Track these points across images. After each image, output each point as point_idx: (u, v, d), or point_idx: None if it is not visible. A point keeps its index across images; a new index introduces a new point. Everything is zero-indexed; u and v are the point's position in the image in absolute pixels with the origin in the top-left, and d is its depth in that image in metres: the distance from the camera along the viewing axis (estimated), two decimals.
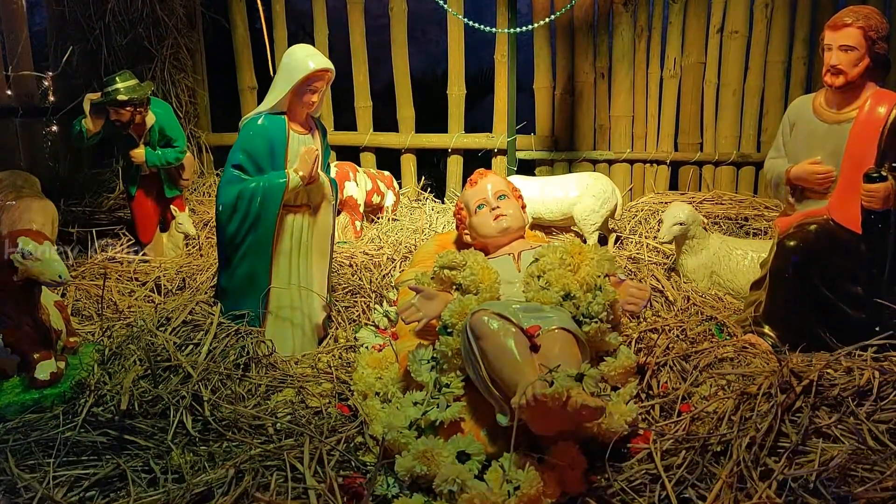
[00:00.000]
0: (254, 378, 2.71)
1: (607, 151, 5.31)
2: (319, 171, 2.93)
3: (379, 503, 2.21)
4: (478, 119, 5.54)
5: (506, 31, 4.64)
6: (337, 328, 3.17)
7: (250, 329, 2.86)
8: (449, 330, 2.47)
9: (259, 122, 2.82)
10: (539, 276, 2.57)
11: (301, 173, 2.84)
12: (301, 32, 5.52)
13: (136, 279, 3.59)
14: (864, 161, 2.68)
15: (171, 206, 3.98)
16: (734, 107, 5.23)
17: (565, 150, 5.34)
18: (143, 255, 3.92)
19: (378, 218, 4.48)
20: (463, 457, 2.26)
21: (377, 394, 2.64)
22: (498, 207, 2.82)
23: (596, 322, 2.45)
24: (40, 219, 3.47)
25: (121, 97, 3.56)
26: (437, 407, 2.39)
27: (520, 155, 5.23)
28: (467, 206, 2.92)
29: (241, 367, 2.73)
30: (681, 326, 2.88)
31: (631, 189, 5.32)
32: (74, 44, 4.80)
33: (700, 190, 5.22)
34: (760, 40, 5.15)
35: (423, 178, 5.21)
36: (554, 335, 2.31)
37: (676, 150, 5.32)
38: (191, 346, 2.73)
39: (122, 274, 3.64)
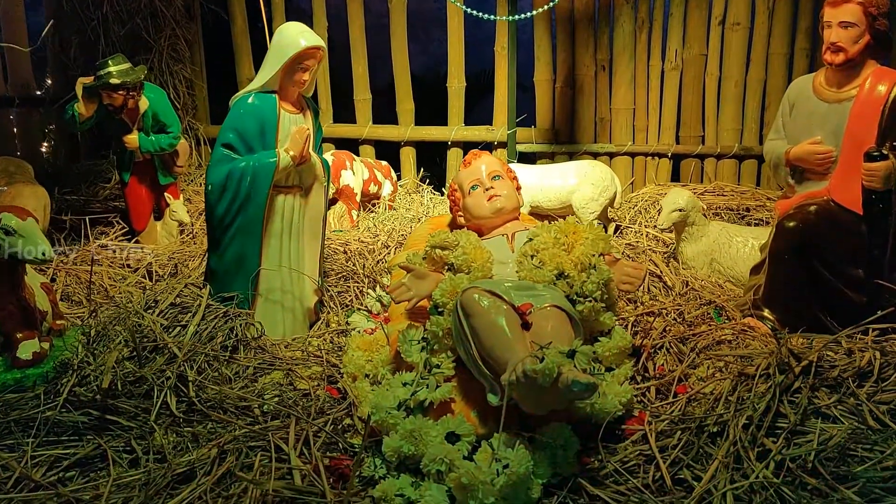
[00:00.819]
0: (241, 360, 2.65)
1: (608, 144, 5.25)
2: (311, 151, 2.87)
3: (366, 484, 2.14)
4: (479, 117, 5.48)
5: (505, 18, 4.58)
6: (329, 313, 3.11)
7: (239, 311, 2.80)
8: (440, 310, 2.41)
9: (249, 100, 2.77)
10: (532, 256, 2.51)
11: (292, 153, 2.78)
12: None
13: (128, 266, 3.53)
14: (864, 140, 2.61)
15: (166, 194, 3.93)
16: (736, 99, 5.16)
17: (566, 142, 5.27)
18: (135, 242, 3.87)
19: (375, 207, 4.42)
20: (452, 438, 2.19)
21: (367, 376, 2.57)
22: (492, 188, 2.76)
23: (590, 301, 2.38)
24: (31, 203, 3.42)
25: (113, 80, 3.51)
26: (427, 387, 2.32)
27: (520, 148, 5.16)
28: (461, 188, 2.86)
29: (229, 349, 2.67)
30: (678, 310, 2.81)
31: (632, 182, 5.25)
32: (72, 34, 4.75)
33: (702, 183, 5.14)
34: (762, 32, 5.07)
35: (422, 169, 5.16)
36: (546, 312, 2.25)
37: (678, 142, 5.25)
38: (178, 328, 2.67)
39: (114, 261, 3.58)
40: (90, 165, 4.92)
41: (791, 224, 2.69)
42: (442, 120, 5.34)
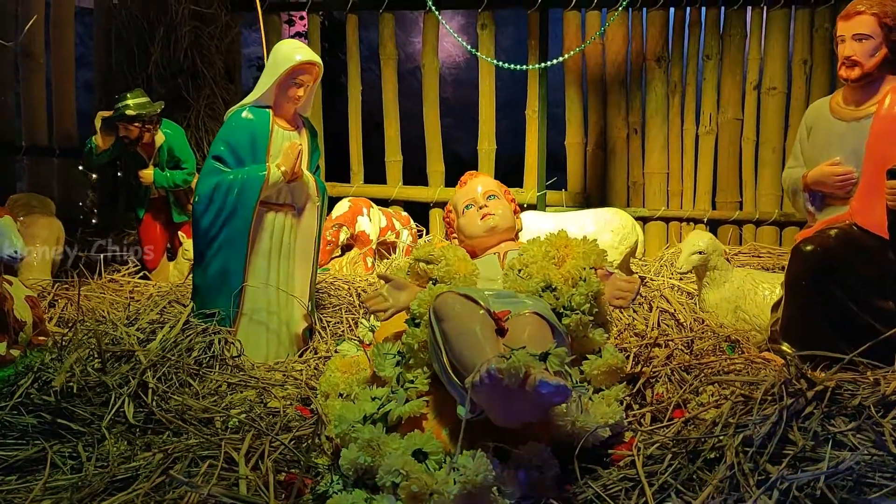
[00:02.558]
0: (214, 376, 2.49)
1: (641, 208, 5.05)
2: (304, 168, 2.78)
3: (319, 500, 1.93)
4: (510, 182, 5.36)
5: (535, 66, 4.53)
6: (319, 341, 2.94)
7: (219, 329, 2.65)
8: (417, 321, 2.22)
9: (243, 114, 2.71)
10: (520, 270, 2.32)
11: (283, 168, 2.69)
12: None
13: (132, 297, 3.45)
14: (886, 158, 2.37)
15: (179, 233, 3.89)
16: (774, 164, 4.93)
17: (598, 206, 5.08)
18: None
19: (391, 255, 4.29)
20: (420, 456, 1.96)
21: (341, 395, 2.37)
22: (485, 206, 2.60)
23: (577, 314, 2.16)
24: (44, 234, 3.41)
25: (129, 112, 3.54)
26: (397, 402, 2.11)
27: (550, 210, 5.01)
28: (455, 209, 2.71)
29: (203, 364, 2.52)
30: (687, 342, 2.55)
31: (667, 248, 5.01)
32: (117, 92, 4.90)
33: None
34: (800, 96, 4.89)
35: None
36: (525, 319, 2.04)
37: (714, 208, 5.02)
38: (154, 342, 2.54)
39: (119, 293, 3.51)
40: (125, 216, 4.95)
41: (809, 248, 2.43)
42: None
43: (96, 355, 2.34)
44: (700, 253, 3.23)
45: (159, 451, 2.01)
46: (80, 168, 4.70)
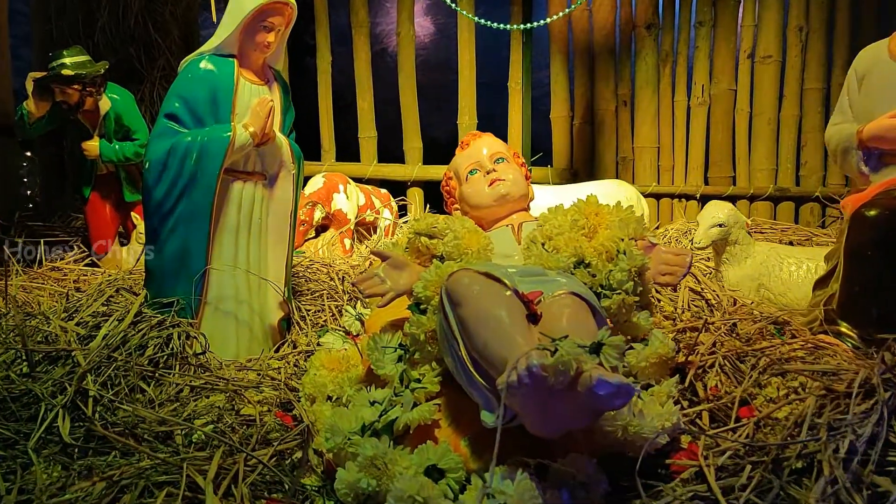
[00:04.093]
0: (173, 378, 2.01)
1: (631, 185, 4.65)
2: (276, 129, 2.30)
3: None
4: None
5: (518, 27, 4.10)
6: (298, 334, 2.47)
7: (179, 321, 2.17)
8: (422, 307, 1.78)
9: (201, 63, 2.22)
10: (543, 243, 1.88)
11: (251, 129, 2.20)
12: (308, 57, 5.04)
13: (78, 289, 2.93)
14: None
15: (133, 214, 3.35)
16: (769, 137, 4.59)
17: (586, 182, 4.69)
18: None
19: (371, 236, 3.82)
20: (434, 474, 1.53)
21: (329, 398, 1.92)
22: (494, 171, 2.15)
23: (619, 293, 1.73)
24: None
25: (66, 72, 3.00)
26: (402, 407, 1.67)
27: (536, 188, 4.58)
28: (457, 174, 2.25)
29: (160, 364, 2.04)
30: (729, 323, 2.14)
31: (658, 226, 4.63)
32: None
33: None
34: (796, 66, 4.55)
35: (428, 206, 4.58)
36: (561, 301, 1.60)
37: (707, 183, 4.66)
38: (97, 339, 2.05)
39: (63, 283, 2.98)
40: (73, 200, 4.39)
41: (873, 213, 2.04)
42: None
43: (23, 357, 1.84)
44: (720, 226, 2.84)
45: (102, 479, 1.53)
46: (19, 142, 4.10)
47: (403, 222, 4.28)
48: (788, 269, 2.81)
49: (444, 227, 1.95)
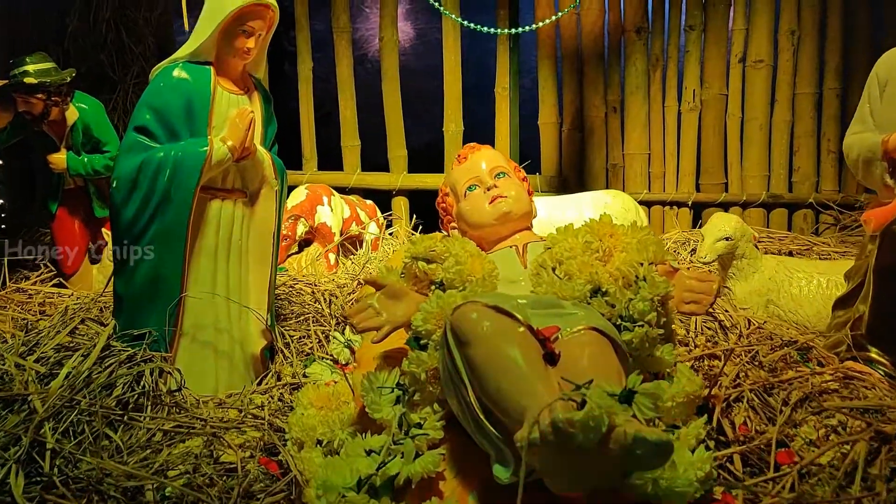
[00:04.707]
0: (145, 422, 1.79)
1: (627, 194, 4.47)
2: (257, 143, 2.09)
3: None
4: None
5: (505, 31, 3.92)
6: (283, 363, 2.25)
7: (151, 355, 1.95)
8: (423, 342, 1.58)
9: (174, 72, 2.00)
10: (554, 268, 1.69)
11: (230, 143, 1.99)
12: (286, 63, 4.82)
13: (44, 312, 2.69)
14: None
15: (104, 230, 3.11)
16: (761, 143, 4.43)
17: (575, 191, 4.49)
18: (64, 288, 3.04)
19: (357, 251, 3.60)
20: None
21: (319, 442, 1.71)
22: (495, 187, 1.95)
23: (641, 326, 1.54)
24: None
25: (29, 80, 2.76)
26: (403, 457, 1.47)
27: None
28: (454, 190, 2.05)
29: (129, 406, 1.82)
30: (750, 351, 1.96)
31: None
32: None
33: None
34: (787, 70, 4.39)
35: (415, 217, 4.37)
36: (581, 339, 1.41)
37: (698, 190, 4.49)
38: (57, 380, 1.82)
39: (27, 306, 2.74)
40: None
41: None
42: (438, 169, 4.60)
43: None
44: (727, 239, 2.67)
45: None
46: None
47: (389, 234, 4.08)
48: (798, 284, 2.65)
49: (443, 251, 1.76)
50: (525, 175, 2.11)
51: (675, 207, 4.49)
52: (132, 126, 1.97)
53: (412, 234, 4.21)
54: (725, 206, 4.44)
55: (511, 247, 1.90)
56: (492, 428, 1.36)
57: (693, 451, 1.43)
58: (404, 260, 1.77)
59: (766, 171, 4.46)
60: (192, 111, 1.98)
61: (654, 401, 1.22)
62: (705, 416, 1.56)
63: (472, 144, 2.09)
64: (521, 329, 1.39)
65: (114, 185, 1.95)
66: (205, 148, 1.95)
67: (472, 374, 1.38)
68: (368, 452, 1.50)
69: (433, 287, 1.73)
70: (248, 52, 2.03)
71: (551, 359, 1.38)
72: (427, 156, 4.72)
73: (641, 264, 1.63)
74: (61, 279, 3.08)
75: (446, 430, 1.53)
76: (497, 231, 1.94)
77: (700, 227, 4.33)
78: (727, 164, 4.49)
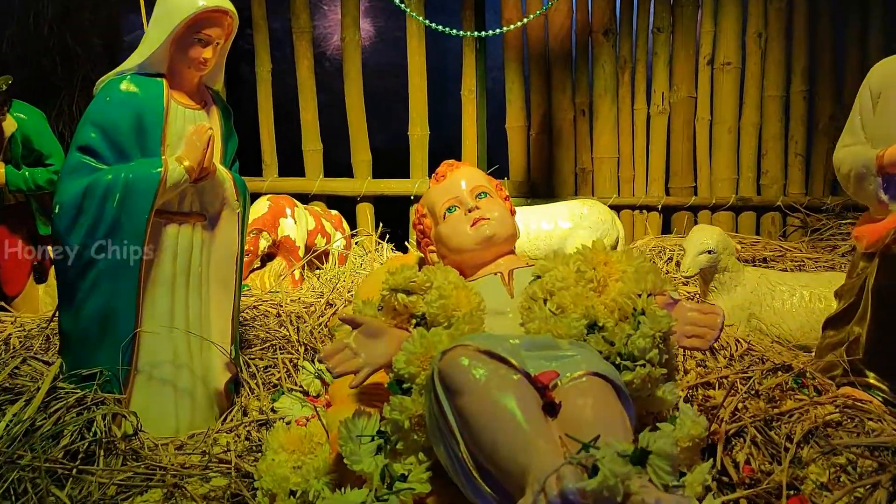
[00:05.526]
0: (98, 474, 1.61)
1: (590, 197, 4.38)
2: (216, 162, 1.92)
3: None
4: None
5: (471, 34, 3.79)
6: (249, 397, 2.09)
7: (103, 396, 1.77)
8: (405, 385, 1.44)
9: (122, 84, 1.82)
10: (545, 300, 1.56)
11: (187, 163, 1.82)
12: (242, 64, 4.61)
13: None
14: None
15: (49, 248, 2.88)
16: (730, 146, 4.38)
17: (544, 196, 4.39)
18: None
19: (323, 265, 3.43)
20: None
21: (293, 493, 1.56)
22: (477, 208, 1.81)
23: (644, 366, 1.42)
24: None
25: None
26: None
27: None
28: (432, 211, 1.90)
29: (78, 457, 1.64)
30: (744, 378, 1.86)
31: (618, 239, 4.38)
32: None
33: None
34: (755, 73, 4.35)
35: (381, 224, 4.22)
36: (582, 386, 1.29)
37: (668, 194, 4.43)
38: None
39: None
40: None
41: None
42: (403, 173, 4.45)
43: None
44: (709, 252, 2.58)
45: None
46: None
47: (355, 243, 3.92)
48: (781, 298, 2.58)
49: (423, 281, 1.62)
50: (507, 194, 1.97)
51: (644, 212, 4.42)
52: (75, 146, 1.78)
53: (378, 244, 4.06)
54: (695, 210, 4.39)
55: (496, 273, 1.77)
56: (487, 488, 1.23)
57: (701, 501, 1.32)
58: (382, 293, 1.63)
59: (734, 174, 4.41)
60: (143, 128, 1.80)
61: (671, 462, 1.10)
62: (711, 460, 1.45)
63: (450, 162, 1.95)
64: (517, 377, 1.26)
65: (56, 210, 1.76)
66: (158, 169, 1.78)
67: (463, 426, 1.25)
68: None
69: (414, 321, 1.59)
70: (204, 62, 1.85)
71: (551, 409, 1.25)
72: (392, 159, 4.56)
73: (640, 295, 1.52)
74: (3, 302, 2.85)
75: (433, 481, 1.40)
76: (480, 256, 1.81)
77: (672, 233, 4.29)
78: (696, 167, 4.44)
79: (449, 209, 1.85)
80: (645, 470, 1.10)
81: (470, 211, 1.82)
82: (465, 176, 1.89)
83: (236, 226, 1.97)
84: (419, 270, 1.67)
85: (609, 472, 1.02)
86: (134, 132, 1.79)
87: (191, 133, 1.84)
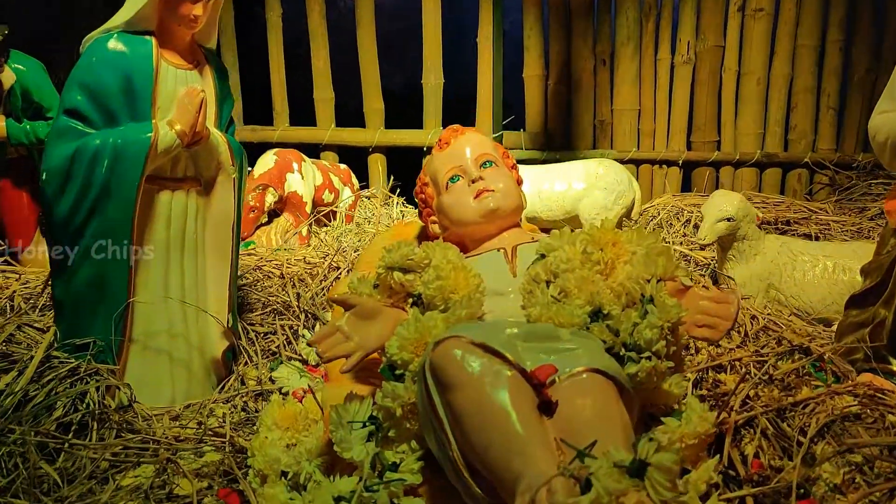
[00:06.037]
0: (89, 447, 1.59)
1: (609, 150, 4.25)
2: (210, 125, 1.83)
3: None
4: (459, 120, 4.45)
5: None
6: (246, 364, 2.05)
7: (97, 367, 1.73)
8: (398, 371, 1.38)
9: (109, 43, 1.72)
10: (549, 282, 1.48)
11: (178, 127, 1.74)
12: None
13: None
14: None
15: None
16: (758, 98, 4.20)
17: (560, 148, 4.28)
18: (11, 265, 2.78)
19: (331, 221, 3.36)
20: None
21: (284, 474, 1.52)
22: (481, 179, 1.72)
23: (649, 358, 1.34)
24: None
25: None
26: None
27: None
28: (434, 180, 1.80)
29: (71, 429, 1.61)
30: (759, 361, 1.78)
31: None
32: None
33: None
34: (789, 20, 4.13)
35: (392, 178, 4.12)
36: (581, 383, 1.21)
37: (689, 148, 4.29)
38: None
39: None
40: None
41: None
42: (417, 123, 4.32)
43: None
44: (729, 220, 2.48)
45: None
46: None
47: (366, 198, 3.84)
48: (802, 268, 2.48)
49: (421, 259, 1.54)
50: (514, 162, 1.87)
51: (664, 167, 4.29)
52: (62, 109, 1.71)
53: (388, 197, 3.98)
54: (717, 166, 4.25)
55: (499, 249, 1.68)
56: (479, 490, 1.17)
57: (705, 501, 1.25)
58: (378, 271, 1.55)
59: (760, 129, 4.25)
60: (132, 90, 1.71)
61: (671, 476, 1.03)
62: (717, 457, 1.39)
63: (454, 127, 1.84)
64: (511, 372, 1.19)
65: (43, 176, 1.69)
66: (148, 134, 1.70)
67: (455, 424, 1.19)
68: (337, 500, 1.32)
69: (412, 310, 1.51)
70: (195, 19, 1.75)
71: (548, 408, 1.19)
72: (406, 105, 4.43)
73: (648, 281, 1.43)
74: (8, 259, 2.82)
75: (425, 471, 1.35)
76: (483, 229, 1.72)
77: (693, 190, 4.15)
78: (720, 120, 4.27)
79: (452, 179, 1.75)
80: (643, 483, 1.04)
81: (474, 181, 1.72)
82: (469, 143, 1.79)
83: (232, 191, 1.90)
84: (419, 244, 1.60)
85: (602, 489, 0.96)
86: (122, 94, 1.71)
87: (182, 95, 1.75)
